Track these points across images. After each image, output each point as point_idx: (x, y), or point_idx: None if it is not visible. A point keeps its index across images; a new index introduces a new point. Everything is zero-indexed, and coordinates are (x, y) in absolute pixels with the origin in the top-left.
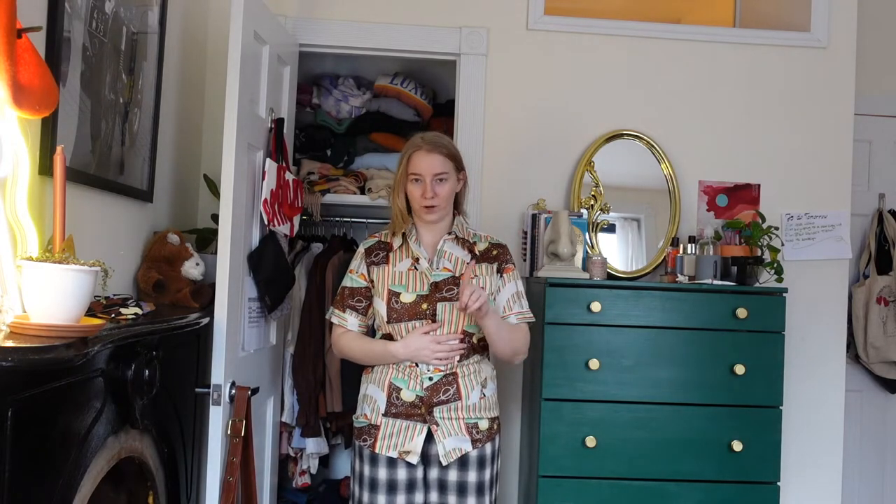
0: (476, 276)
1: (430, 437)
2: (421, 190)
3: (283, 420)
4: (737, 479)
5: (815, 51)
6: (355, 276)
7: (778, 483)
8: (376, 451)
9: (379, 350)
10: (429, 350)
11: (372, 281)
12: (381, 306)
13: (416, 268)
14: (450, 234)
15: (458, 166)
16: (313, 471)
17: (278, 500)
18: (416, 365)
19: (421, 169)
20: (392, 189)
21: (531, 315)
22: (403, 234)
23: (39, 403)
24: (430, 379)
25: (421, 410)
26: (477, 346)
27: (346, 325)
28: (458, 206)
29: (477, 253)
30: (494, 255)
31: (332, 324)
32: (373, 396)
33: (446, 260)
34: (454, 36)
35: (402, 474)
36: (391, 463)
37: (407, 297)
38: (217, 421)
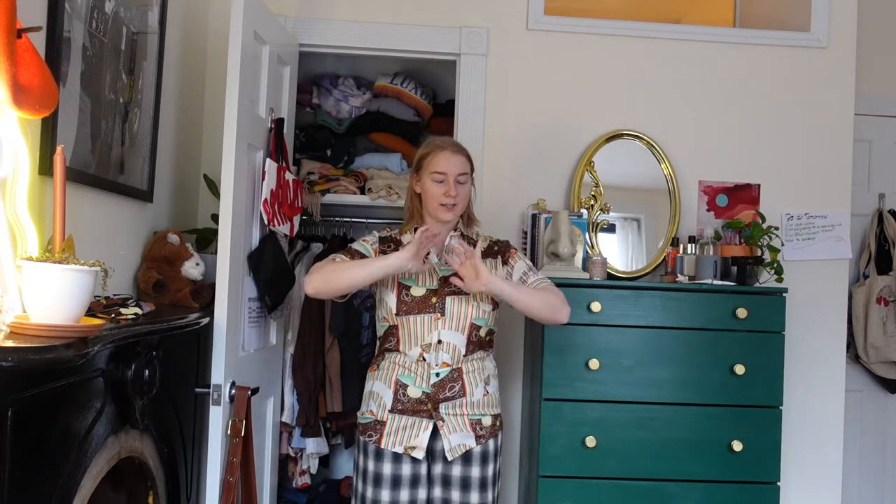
0: None
1: (434, 433)
2: (444, 189)
3: (283, 420)
4: (737, 479)
5: (815, 51)
6: (368, 246)
7: (778, 483)
8: (382, 446)
9: (371, 264)
10: (420, 245)
11: None
12: (390, 298)
13: (424, 262)
14: (455, 230)
15: (472, 171)
16: (313, 471)
17: (278, 500)
18: (423, 359)
19: (446, 168)
20: (407, 189)
21: (548, 281)
22: (416, 230)
23: (39, 403)
24: (437, 375)
25: (427, 406)
26: (483, 342)
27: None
28: (470, 211)
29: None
30: (496, 251)
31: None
32: (379, 393)
33: (454, 255)
34: (454, 36)
35: (406, 469)
36: (396, 458)
37: (417, 291)
38: (217, 421)
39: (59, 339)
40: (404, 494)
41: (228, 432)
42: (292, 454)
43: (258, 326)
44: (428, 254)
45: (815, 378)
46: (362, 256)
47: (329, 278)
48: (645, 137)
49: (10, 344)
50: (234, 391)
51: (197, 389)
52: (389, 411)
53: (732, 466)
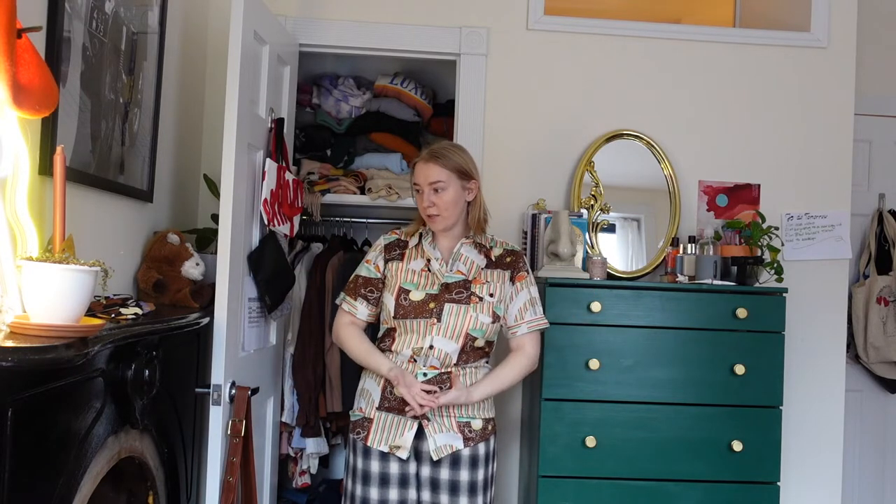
0: (487, 281)
1: (422, 434)
2: (421, 200)
3: (283, 420)
4: (737, 479)
5: (815, 51)
6: (370, 267)
7: (778, 483)
8: (369, 443)
9: (371, 358)
10: (410, 396)
11: (385, 275)
12: (389, 301)
13: (428, 269)
14: (467, 238)
15: (463, 175)
16: (313, 471)
17: (278, 500)
18: (415, 360)
19: (418, 179)
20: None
21: (544, 321)
22: (420, 234)
23: (39, 403)
24: (424, 375)
25: None
26: (480, 351)
27: (355, 313)
28: (474, 218)
29: (493, 258)
30: (508, 263)
31: (338, 308)
32: (369, 390)
33: (461, 263)
34: (454, 36)
35: (394, 468)
36: (383, 457)
37: (416, 296)
38: (217, 421)
39: (59, 339)
40: (393, 493)
41: (228, 432)
42: (292, 454)
43: (258, 326)
44: (430, 261)
45: (815, 378)
46: (366, 283)
47: (341, 342)
48: (645, 137)
49: (10, 344)
50: (234, 391)
51: (197, 389)
52: (377, 409)
53: (732, 466)
